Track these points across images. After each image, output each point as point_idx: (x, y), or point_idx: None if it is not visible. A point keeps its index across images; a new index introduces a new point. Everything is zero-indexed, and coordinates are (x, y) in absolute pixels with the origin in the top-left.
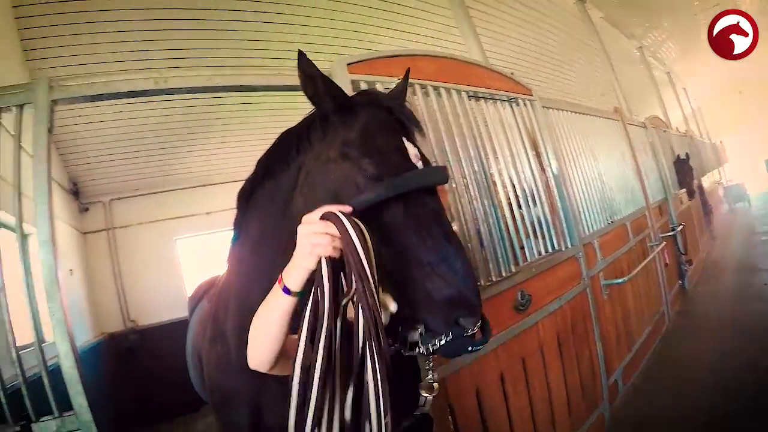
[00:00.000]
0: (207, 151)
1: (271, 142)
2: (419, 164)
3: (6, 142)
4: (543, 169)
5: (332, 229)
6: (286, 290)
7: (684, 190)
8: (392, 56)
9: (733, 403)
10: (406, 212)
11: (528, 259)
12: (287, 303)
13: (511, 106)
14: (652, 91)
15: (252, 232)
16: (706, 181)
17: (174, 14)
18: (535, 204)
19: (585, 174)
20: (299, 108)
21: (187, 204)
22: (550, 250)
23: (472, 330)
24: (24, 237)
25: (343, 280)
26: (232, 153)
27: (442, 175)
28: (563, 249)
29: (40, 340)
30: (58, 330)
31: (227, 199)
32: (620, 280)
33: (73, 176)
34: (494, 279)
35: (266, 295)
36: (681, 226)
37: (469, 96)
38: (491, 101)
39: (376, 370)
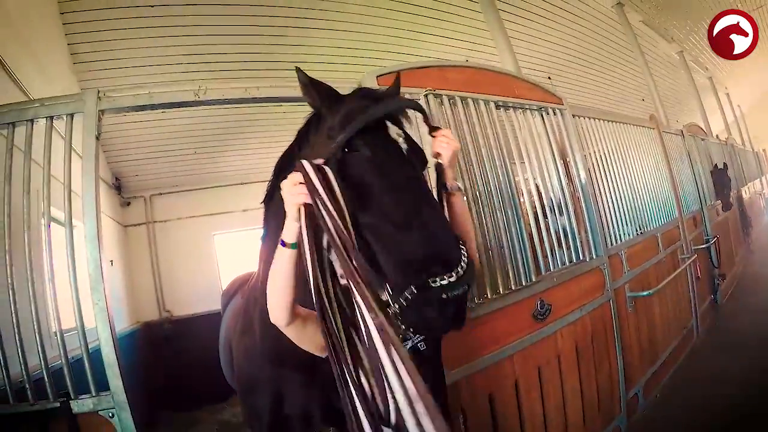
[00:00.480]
0: (246, 151)
1: None
2: (402, 142)
3: (56, 145)
4: (570, 179)
5: (301, 177)
6: (283, 243)
7: (719, 201)
8: (421, 67)
9: (763, 424)
10: (382, 176)
11: (551, 269)
12: (285, 254)
13: (541, 115)
14: (692, 96)
15: (273, 229)
16: (747, 192)
17: (215, 21)
18: (561, 213)
19: (615, 183)
20: None
21: (225, 201)
22: (573, 260)
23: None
24: (70, 230)
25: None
26: (270, 152)
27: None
28: (587, 260)
29: (83, 325)
30: (101, 318)
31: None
32: (646, 293)
33: (116, 172)
34: (513, 288)
35: None
36: (715, 239)
37: (497, 106)
38: (520, 110)
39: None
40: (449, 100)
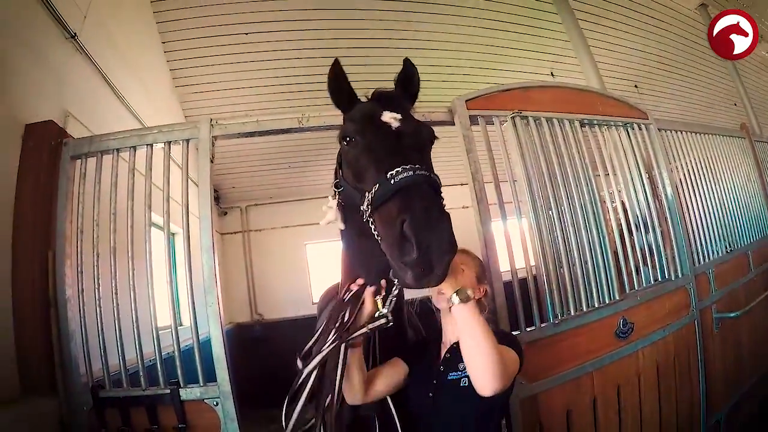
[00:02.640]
0: None
1: None
2: (393, 121)
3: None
4: (657, 194)
5: None
6: None
7: None
8: (507, 90)
9: None
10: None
11: (635, 287)
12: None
13: (627, 131)
14: None
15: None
16: None
17: (309, 45)
18: (647, 230)
19: (703, 198)
20: None
21: (317, 212)
22: (659, 278)
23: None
24: (173, 239)
25: None
26: None
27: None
28: (673, 278)
29: (196, 323)
30: (213, 317)
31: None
32: (733, 314)
33: (214, 183)
34: (596, 305)
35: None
36: None
37: (582, 124)
38: (605, 127)
39: None
40: (535, 121)
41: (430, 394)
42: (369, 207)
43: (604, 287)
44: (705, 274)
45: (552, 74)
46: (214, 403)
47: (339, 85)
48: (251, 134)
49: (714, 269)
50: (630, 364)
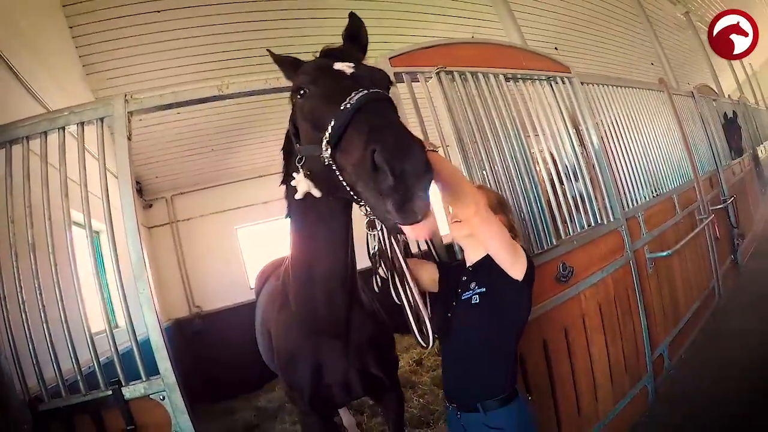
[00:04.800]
0: (263, 143)
1: None
2: (347, 69)
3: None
4: (583, 145)
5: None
6: None
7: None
8: (430, 47)
9: None
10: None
11: (570, 233)
12: None
13: (550, 85)
14: (701, 57)
15: (295, 206)
16: (763, 151)
17: (225, 17)
18: (576, 179)
19: (629, 147)
20: None
21: (246, 195)
22: (592, 223)
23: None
24: (94, 233)
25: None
26: None
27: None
28: (605, 222)
29: (130, 314)
30: (146, 305)
31: (283, 188)
32: (665, 253)
33: (136, 175)
34: (535, 252)
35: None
36: (732, 198)
37: (506, 78)
38: (529, 81)
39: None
40: (460, 76)
41: (449, 314)
42: (329, 146)
43: (542, 234)
44: (635, 218)
45: (473, 37)
46: (161, 397)
47: (282, 59)
48: (169, 106)
49: (643, 213)
50: (574, 306)
